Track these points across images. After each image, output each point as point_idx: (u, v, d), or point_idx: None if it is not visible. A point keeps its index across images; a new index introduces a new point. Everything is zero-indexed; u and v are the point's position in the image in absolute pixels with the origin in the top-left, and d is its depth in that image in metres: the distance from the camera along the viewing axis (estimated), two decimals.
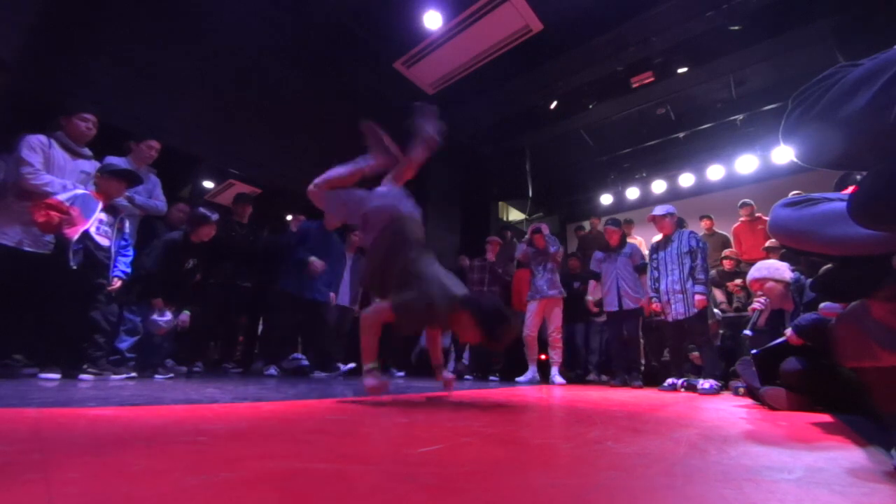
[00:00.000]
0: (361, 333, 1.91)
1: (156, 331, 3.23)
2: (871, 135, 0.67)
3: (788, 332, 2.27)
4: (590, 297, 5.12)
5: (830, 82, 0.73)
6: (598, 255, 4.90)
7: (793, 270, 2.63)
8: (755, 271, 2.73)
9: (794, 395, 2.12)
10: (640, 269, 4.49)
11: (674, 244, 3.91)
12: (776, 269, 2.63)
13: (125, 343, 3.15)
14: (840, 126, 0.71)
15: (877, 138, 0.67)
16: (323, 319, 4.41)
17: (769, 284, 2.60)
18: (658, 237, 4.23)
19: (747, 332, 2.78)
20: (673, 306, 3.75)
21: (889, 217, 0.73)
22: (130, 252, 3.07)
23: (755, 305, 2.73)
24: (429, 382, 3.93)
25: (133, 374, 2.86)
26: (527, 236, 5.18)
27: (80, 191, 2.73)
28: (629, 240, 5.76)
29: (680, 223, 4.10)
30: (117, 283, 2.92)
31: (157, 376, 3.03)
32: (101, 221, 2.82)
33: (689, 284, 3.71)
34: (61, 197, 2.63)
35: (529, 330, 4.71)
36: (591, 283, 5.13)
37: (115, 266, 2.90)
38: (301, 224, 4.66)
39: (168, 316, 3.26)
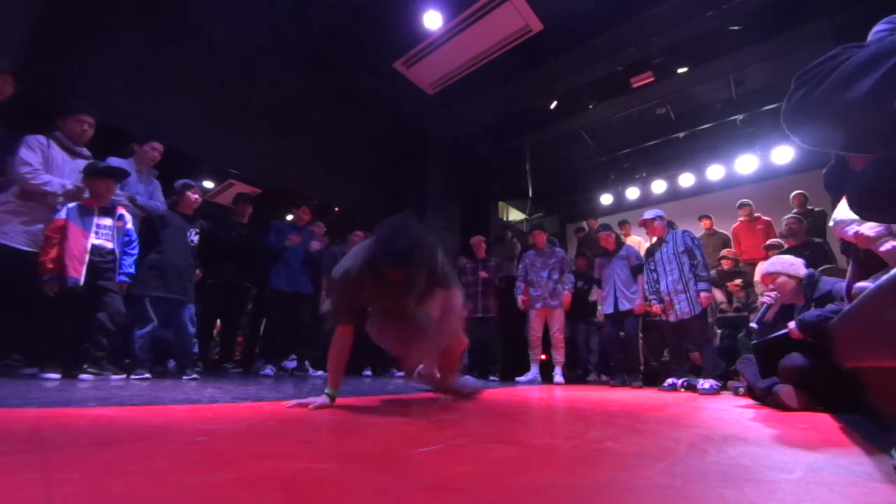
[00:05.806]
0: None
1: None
2: (873, 120, 0.66)
3: (791, 324, 2.26)
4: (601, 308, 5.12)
5: (834, 63, 0.71)
6: (598, 261, 4.91)
7: (806, 266, 2.62)
8: (769, 265, 2.69)
9: (803, 393, 2.11)
10: (637, 269, 4.47)
11: (668, 245, 3.91)
12: (791, 264, 2.61)
13: (136, 344, 3.12)
14: (843, 110, 0.69)
15: (879, 124, 0.66)
16: (314, 314, 4.41)
17: (781, 279, 2.57)
18: (652, 240, 4.24)
19: (753, 324, 2.77)
20: (677, 306, 3.74)
21: (888, 211, 0.73)
22: (136, 249, 3.01)
23: (764, 299, 2.70)
24: None
25: (147, 375, 2.82)
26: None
27: (70, 203, 2.72)
28: (628, 241, 5.75)
29: (670, 225, 4.11)
30: (124, 288, 2.90)
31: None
32: (99, 226, 2.82)
33: (692, 283, 3.71)
34: (58, 215, 2.63)
35: (534, 332, 4.73)
36: (595, 289, 5.12)
37: (121, 266, 2.88)
38: (271, 222, 4.64)
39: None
